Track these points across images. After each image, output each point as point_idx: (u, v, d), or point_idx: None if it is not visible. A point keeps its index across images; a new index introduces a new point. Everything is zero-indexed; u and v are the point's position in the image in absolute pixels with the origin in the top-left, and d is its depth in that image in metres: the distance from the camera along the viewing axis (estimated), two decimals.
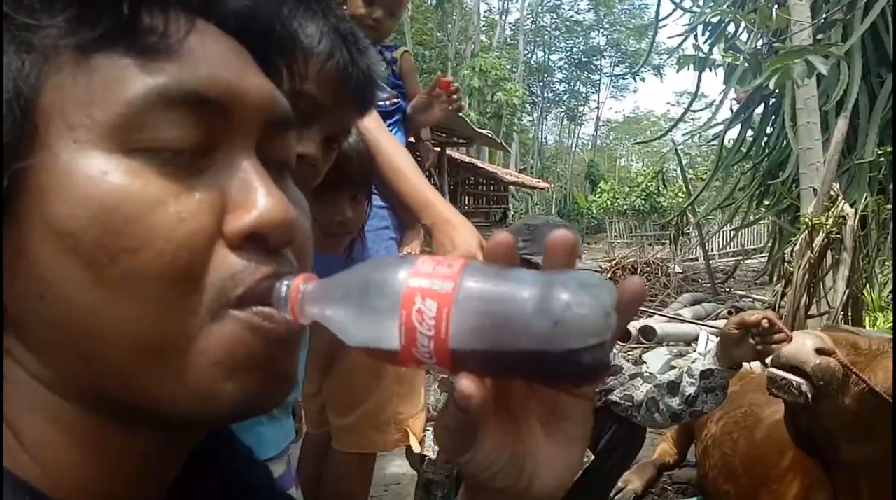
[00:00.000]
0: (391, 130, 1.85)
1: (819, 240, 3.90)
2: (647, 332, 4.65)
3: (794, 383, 1.50)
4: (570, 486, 0.42)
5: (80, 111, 0.36)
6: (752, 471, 2.37)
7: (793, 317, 4.00)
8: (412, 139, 2.19)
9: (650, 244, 11.30)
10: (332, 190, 1.22)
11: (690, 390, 1.77)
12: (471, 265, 0.37)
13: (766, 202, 7.49)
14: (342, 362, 1.63)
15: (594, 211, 24.86)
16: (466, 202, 13.45)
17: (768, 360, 1.59)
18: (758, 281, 8.52)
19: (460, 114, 9.86)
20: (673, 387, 1.83)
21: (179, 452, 0.44)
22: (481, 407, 0.35)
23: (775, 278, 7.36)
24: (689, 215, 8.93)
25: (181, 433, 0.43)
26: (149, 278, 0.36)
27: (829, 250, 3.93)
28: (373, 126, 1.36)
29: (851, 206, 3.99)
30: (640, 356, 4.67)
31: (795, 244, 4.06)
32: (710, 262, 8.55)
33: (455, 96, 1.82)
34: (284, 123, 0.45)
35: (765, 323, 1.56)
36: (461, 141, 11.15)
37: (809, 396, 1.51)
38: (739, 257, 9.43)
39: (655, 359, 4.49)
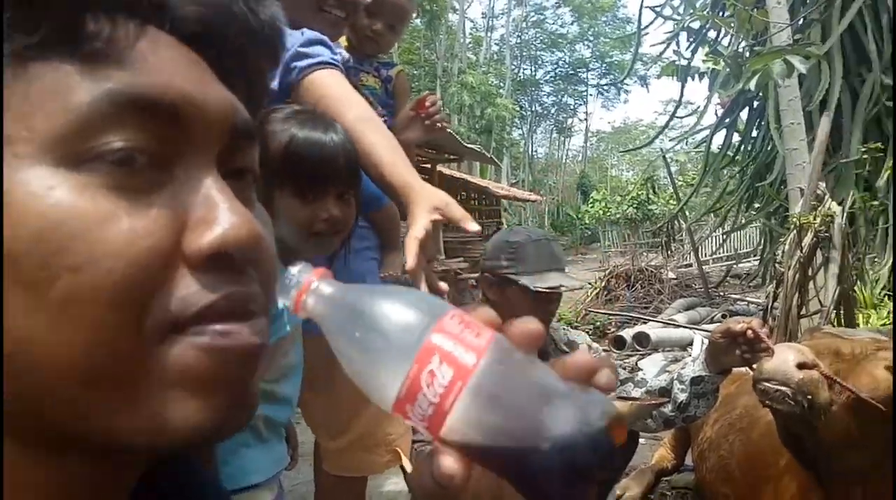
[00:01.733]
0: None
1: (808, 239, 3.91)
2: (641, 339, 4.64)
3: (788, 393, 1.49)
4: None
5: (19, 123, 0.33)
6: (749, 473, 2.34)
7: (786, 317, 3.99)
8: None
9: (643, 252, 11.31)
10: (317, 188, 1.17)
11: (682, 397, 1.75)
12: (498, 342, 0.35)
13: (756, 205, 7.52)
14: (332, 384, 1.60)
15: (587, 221, 24.91)
16: None
17: (754, 372, 1.60)
18: (751, 284, 8.53)
19: (449, 130, 9.90)
20: (664, 393, 1.82)
21: (128, 477, 0.41)
22: (461, 485, 0.34)
23: (768, 280, 7.37)
24: (681, 221, 8.96)
25: (133, 461, 0.41)
26: (94, 300, 0.33)
27: (818, 249, 3.93)
28: (354, 121, 1.31)
29: (839, 204, 4.00)
30: (636, 364, 4.65)
31: (785, 245, 4.06)
32: (704, 267, 8.56)
33: (437, 115, 1.81)
34: (246, 135, 0.42)
35: (749, 334, 1.56)
36: (451, 157, 11.17)
37: (805, 404, 1.50)
38: (732, 262, 9.45)
39: (651, 365, 4.47)
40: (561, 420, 0.33)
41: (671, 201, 14.15)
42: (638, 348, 4.73)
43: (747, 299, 7.24)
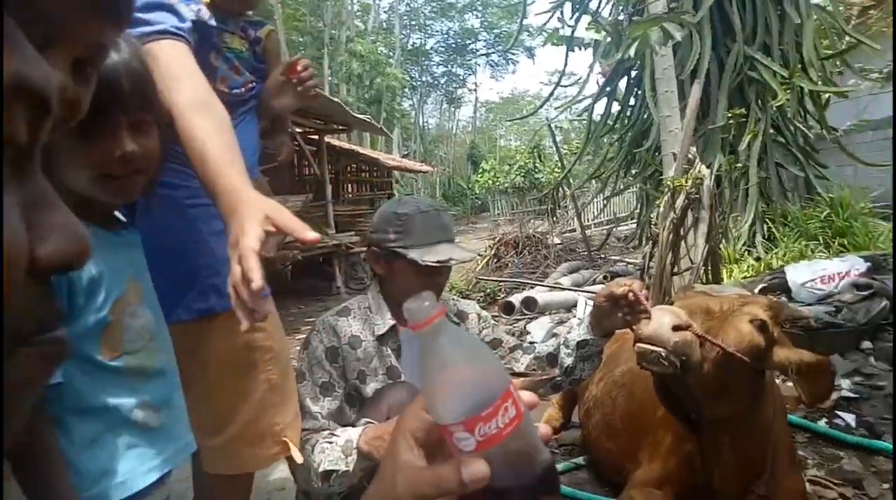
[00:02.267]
0: (243, 119, 1.66)
1: (681, 201, 4.11)
2: (529, 303, 4.72)
3: (661, 354, 1.55)
4: None
5: None
6: (631, 426, 2.43)
7: (660, 275, 4.20)
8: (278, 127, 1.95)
9: (531, 219, 11.60)
10: (101, 119, 0.98)
11: (568, 361, 1.76)
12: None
13: (633, 170, 7.88)
14: (198, 380, 1.44)
15: (477, 191, 25.30)
16: (349, 190, 13.12)
17: (634, 334, 1.63)
18: (630, 246, 8.99)
19: (337, 100, 9.57)
20: (552, 359, 1.81)
21: None
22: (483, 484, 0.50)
23: (644, 241, 7.78)
24: (565, 188, 9.24)
25: None
26: None
27: (689, 210, 4.15)
28: (186, 107, 1.16)
29: (707, 167, 4.21)
30: (525, 327, 4.74)
31: (660, 207, 4.25)
32: (586, 231, 8.89)
33: (310, 80, 1.65)
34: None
35: (630, 297, 1.58)
36: (340, 128, 10.83)
37: (678, 365, 1.56)
38: (611, 225, 9.90)
39: (538, 328, 4.57)
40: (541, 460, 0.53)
41: (556, 169, 14.61)
42: (526, 312, 4.82)
43: (626, 260, 7.61)
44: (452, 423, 0.49)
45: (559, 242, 9.12)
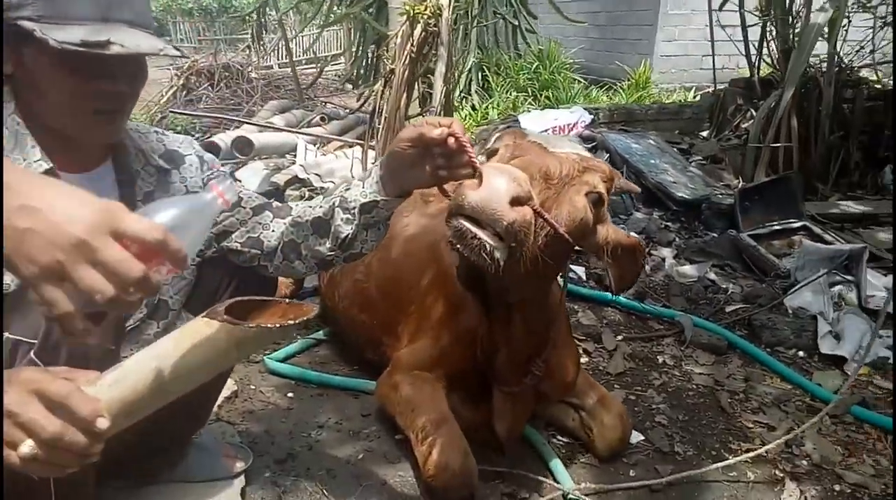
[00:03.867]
0: None
1: (418, 33, 3.64)
2: (241, 145, 3.89)
3: (487, 246, 1.12)
4: None
5: None
6: (390, 295, 2.04)
7: (393, 118, 3.79)
8: None
9: (221, 50, 10.05)
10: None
11: (347, 230, 1.21)
12: None
13: None
14: None
15: (154, 9, 21.32)
16: None
17: (452, 200, 1.14)
18: (341, 87, 8.39)
19: None
20: (320, 226, 1.24)
21: None
22: None
23: (360, 82, 7.25)
24: (270, 12, 7.99)
25: None
26: None
27: (427, 45, 3.73)
28: None
29: None
30: (233, 173, 3.93)
31: (397, 38, 3.71)
32: (284, 70, 7.94)
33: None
34: None
35: (451, 142, 1.08)
36: None
37: (501, 262, 1.15)
38: (313, 66, 9.05)
39: (252, 175, 3.83)
40: None
41: None
42: (238, 155, 3.99)
43: (332, 101, 7.03)
44: None
45: (256, 76, 8.02)
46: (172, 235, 0.67)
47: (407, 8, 3.57)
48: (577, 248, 1.40)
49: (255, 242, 1.31)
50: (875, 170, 4.06)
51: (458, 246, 1.16)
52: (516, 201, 1.10)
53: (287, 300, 0.87)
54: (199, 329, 0.78)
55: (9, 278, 1.04)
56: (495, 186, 1.08)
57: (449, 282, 1.88)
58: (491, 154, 1.37)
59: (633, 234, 2.27)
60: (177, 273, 0.71)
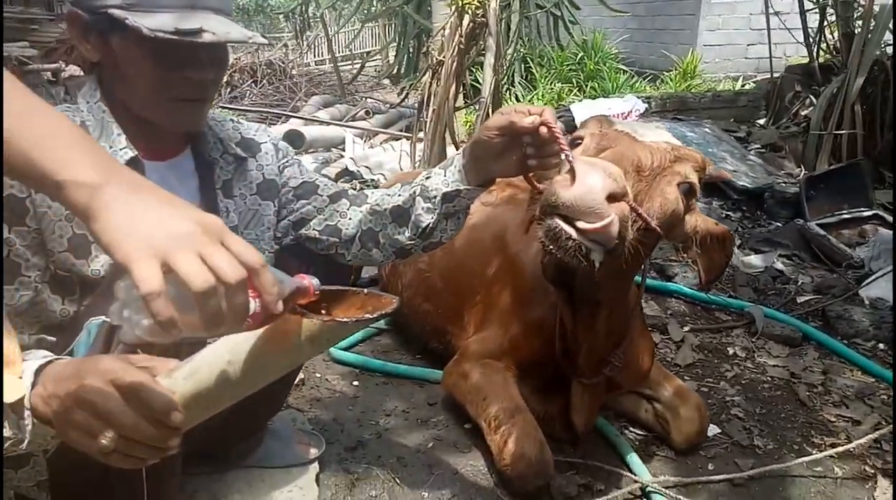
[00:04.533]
0: None
1: (466, 23, 3.60)
2: (293, 138, 3.89)
3: (583, 247, 1.04)
4: None
5: None
6: (455, 284, 2.01)
7: (442, 108, 3.75)
8: None
9: (262, 47, 10.18)
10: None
11: (428, 219, 1.18)
12: None
13: None
14: None
15: None
16: None
17: (544, 196, 1.07)
18: (381, 82, 8.40)
19: None
20: (400, 214, 1.22)
21: None
22: None
23: (401, 77, 7.25)
24: (308, 12, 8.04)
25: None
26: None
27: (476, 37, 3.69)
28: None
29: None
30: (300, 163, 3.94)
31: (445, 29, 3.68)
32: (323, 66, 7.95)
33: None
34: None
35: (543, 131, 1.02)
36: None
37: (597, 263, 1.08)
38: (349, 63, 9.06)
39: None
40: None
41: None
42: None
43: (375, 97, 7.04)
44: None
45: (298, 73, 8.08)
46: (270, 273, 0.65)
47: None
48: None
49: (333, 229, 1.29)
50: None
51: (551, 247, 1.07)
52: (612, 198, 1.03)
53: (366, 291, 0.80)
54: (272, 331, 0.73)
55: (99, 264, 1.04)
56: (591, 183, 1.01)
57: (516, 271, 1.84)
58: (575, 142, 1.32)
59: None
60: (258, 317, 0.66)
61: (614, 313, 1.49)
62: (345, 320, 0.73)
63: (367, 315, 0.75)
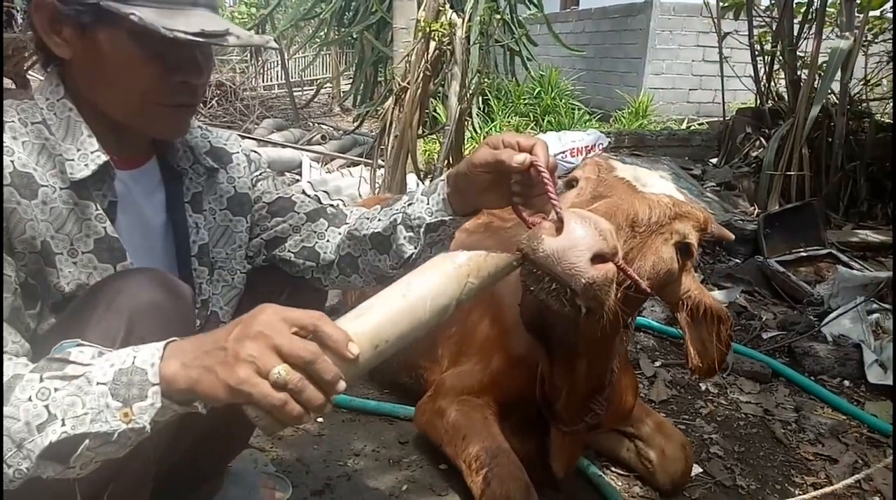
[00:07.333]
0: None
1: (433, 49, 3.57)
2: None
3: (567, 293, 0.92)
4: None
5: None
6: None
7: (405, 135, 3.69)
8: None
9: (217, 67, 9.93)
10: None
11: (410, 249, 1.09)
12: None
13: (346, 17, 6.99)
14: None
15: None
16: None
17: (525, 242, 0.96)
18: (332, 110, 8.32)
19: None
20: (381, 242, 1.12)
21: None
22: None
23: (356, 104, 7.18)
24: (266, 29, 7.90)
25: None
26: None
27: (440, 63, 3.66)
28: None
29: (458, 16, 3.69)
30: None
31: (411, 55, 3.63)
32: (277, 89, 7.82)
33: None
34: None
35: (533, 173, 0.95)
36: None
37: (584, 310, 0.96)
38: (298, 89, 8.94)
39: None
40: None
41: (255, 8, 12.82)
42: None
43: (327, 123, 6.93)
44: None
45: (250, 95, 7.89)
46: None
47: (423, 24, 3.50)
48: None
49: (310, 252, 1.19)
50: (882, 201, 4.07)
51: (532, 287, 0.96)
52: (599, 258, 0.90)
53: (485, 253, 0.86)
54: (439, 261, 0.84)
55: (65, 282, 0.91)
56: (576, 237, 0.89)
57: (496, 301, 1.76)
58: (570, 183, 1.25)
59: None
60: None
61: (595, 363, 1.39)
62: (506, 255, 0.87)
63: (513, 261, 0.87)
